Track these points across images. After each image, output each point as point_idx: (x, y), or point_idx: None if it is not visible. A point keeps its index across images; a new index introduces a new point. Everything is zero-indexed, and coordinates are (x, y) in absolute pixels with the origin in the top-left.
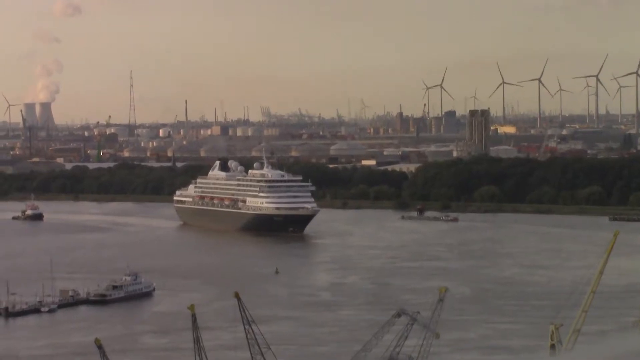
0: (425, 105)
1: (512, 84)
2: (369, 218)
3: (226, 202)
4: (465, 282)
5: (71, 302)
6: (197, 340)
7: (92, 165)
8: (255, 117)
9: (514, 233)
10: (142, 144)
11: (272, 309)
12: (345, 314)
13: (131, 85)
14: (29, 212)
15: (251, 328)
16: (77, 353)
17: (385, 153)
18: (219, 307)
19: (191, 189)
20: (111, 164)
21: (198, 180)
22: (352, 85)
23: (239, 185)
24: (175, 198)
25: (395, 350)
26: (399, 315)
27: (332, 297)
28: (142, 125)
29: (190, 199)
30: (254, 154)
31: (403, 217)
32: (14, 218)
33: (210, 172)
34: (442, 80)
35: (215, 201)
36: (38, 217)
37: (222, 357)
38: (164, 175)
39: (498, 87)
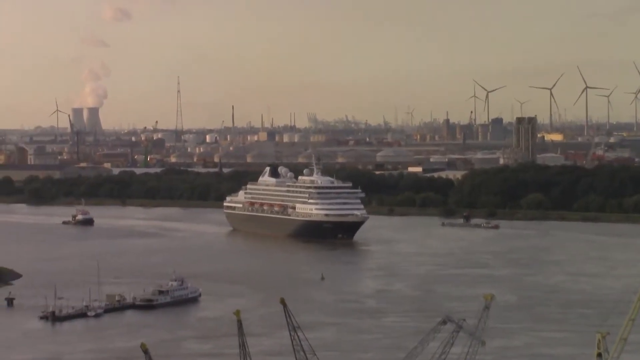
0: (472, 112)
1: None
2: (415, 225)
3: (276, 208)
4: (511, 289)
5: (118, 307)
6: (242, 346)
7: (139, 171)
8: (302, 123)
9: (560, 241)
10: (188, 150)
11: (317, 315)
12: (389, 321)
13: (178, 91)
14: (79, 217)
15: (297, 334)
16: (121, 358)
17: (431, 160)
18: (264, 313)
19: (241, 195)
20: (158, 170)
21: (248, 186)
22: (399, 91)
23: (288, 191)
24: (225, 204)
25: (441, 358)
26: (444, 322)
27: (377, 304)
28: (189, 131)
29: (240, 205)
30: (300, 160)
31: (443, 224)
32: (64, 223)
33: (260, 178)
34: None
35: (265, 207)
36: (88, 222)
37: None
38: (210, 181)
39: (550, 95)
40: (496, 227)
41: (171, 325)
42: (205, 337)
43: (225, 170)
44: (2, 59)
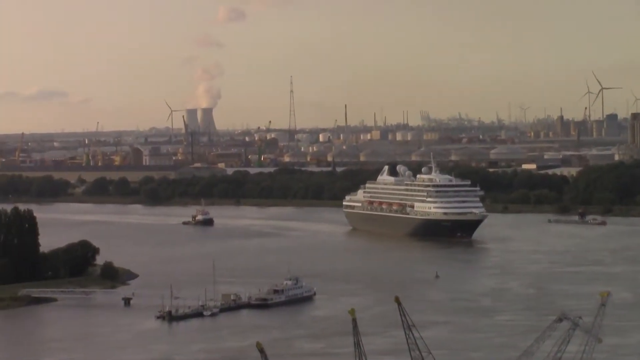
0: (586, 108)
1: None
2: (529, 222)
3: (394, 207)
4: (627, 287)
5: (233, 307)
6: (357, 345)
7: (252, 170)
8: (415, 121)
9: None
10: (302, 149)
11: (430, 313)
12: (503, 320)
13: (291, 91)
14: (199, 217)
15: (412, 332)
16: (231, 358)
17: (545, 157)
18: (376, 312)
19: (360, 194)
20: (272, 169)
21: (367, 185)
22: (512, 88)
23: (407, 190)
24: (344, 203)
25: (557, 356)
26: (560, 320)
27: (491, 303)
28: (302, 130)
29: (359, 204)
30: (413, 158)
31: (550, 221)
32: (184, 223)
33: (379, 177)
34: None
35: (384, 206)
36: (208, 222)
37: None
38: (324, 180)
39: None
40: (603, 223)
41: (285, 325)
42: (317, 336)
43: (339, 169)
44: (117, 60)
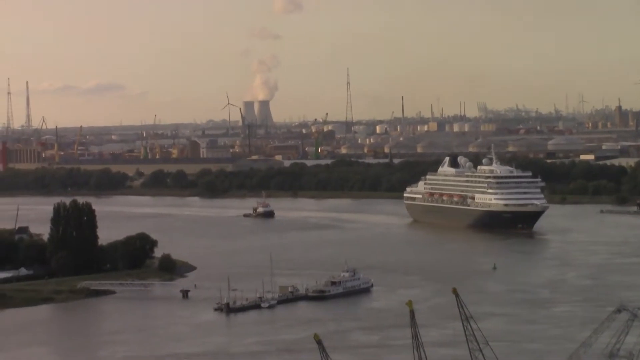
0: None
1: None
2: (587, 213)
3: (455, 199)
4: None
5: (290, 298)
6: (415, 337)
7: (310, 162)
8: (472, 112)
9: None
10: (359, 141)
11: (487, 305)
12: (560, 311)
13: (348, 82)
14: (260, 209)
15: (469, 324)
16: (286, 350)
17: (603, 147)
18: (434, 304)
19: (421, 186)
20: (329, 161)
21: (427, 176)
22: (570, 79)
23: (467, 181)
24: (405, 195)
25: (616, 347)
26: (619, 311)
27: (549, 294)
28: (359, 122)
29: (420, 196)
30: (470, 149)
31: (602, 211)
32: (245, 215)
33: (440, 169)
34: None
35: (445, 198)
36: (269, 214)
37: (438, 353)
38: (381, 172)
39: None
40: None
41: (342, 316)
42: (374, 328)
43: (396, 160)
44: (174, 53)
